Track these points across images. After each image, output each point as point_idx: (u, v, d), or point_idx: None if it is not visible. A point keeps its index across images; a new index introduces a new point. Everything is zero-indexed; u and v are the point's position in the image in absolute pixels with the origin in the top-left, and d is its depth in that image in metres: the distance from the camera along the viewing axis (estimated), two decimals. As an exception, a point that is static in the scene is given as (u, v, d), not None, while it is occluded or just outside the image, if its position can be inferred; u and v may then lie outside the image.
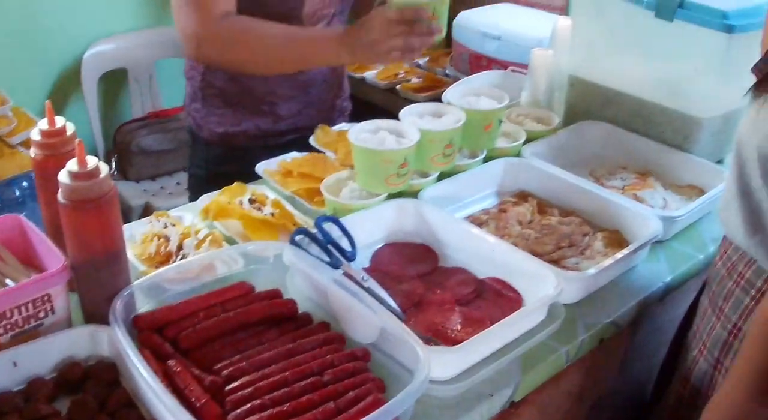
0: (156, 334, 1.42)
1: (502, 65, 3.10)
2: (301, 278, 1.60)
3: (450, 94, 2.12)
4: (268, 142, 2.31)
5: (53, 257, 1.43)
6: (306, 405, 1.29)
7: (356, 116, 2.39)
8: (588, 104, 2.34)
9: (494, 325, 1.47)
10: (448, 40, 3.60)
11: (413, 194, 1.90)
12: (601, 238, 1.86)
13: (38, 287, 1.37)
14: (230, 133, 2.30)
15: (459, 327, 1.54)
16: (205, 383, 1.32)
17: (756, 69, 1.40)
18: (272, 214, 1.83)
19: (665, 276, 1.79)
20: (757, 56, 1.43)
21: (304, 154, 2.11)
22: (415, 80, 3.72)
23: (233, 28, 2.00)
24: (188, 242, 1.70)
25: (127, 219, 1.67)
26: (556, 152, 2.17)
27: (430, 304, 1.61)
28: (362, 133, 1.89)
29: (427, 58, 3.84)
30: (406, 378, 1.34)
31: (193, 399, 1.28)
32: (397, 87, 3.66)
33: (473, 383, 1.43)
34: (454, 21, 3.45)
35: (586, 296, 1.70)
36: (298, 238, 1.63)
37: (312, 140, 2.20)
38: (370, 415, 1.22)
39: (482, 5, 3.59)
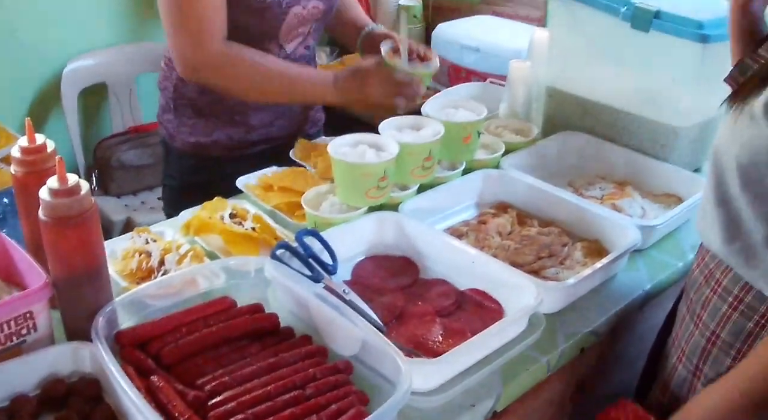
0: (138, 349, 1.42)
1: (482, 77, 3.11)
2: (283, 292, 1.61)
3: (429, 106, 2.13)
4: (240, 152, 2.33)
5: (35, 274, 1.42)
6: (289, 418, 1.29)
7: (334, 127, 2.41)
8: (566, 115, 2.36)
9: (475, 336, 1.48)
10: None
11: (393, 207, 1.91)
12: (581, 248, 1.88)
13: (20, 304, 1.37)
14: (202, 143, 2.31)
15: (440, 338, 1.55)
16: (188, 398, 1.32)
17: (730, 79, 1.42)
18: (253, 229, 1.83)
19: (645, 284, 1.81)
20: (731, 66, 1.45)
21: (284, 168, 2.12)
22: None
23: (233, 56, 2.06)
24: (170, 258, 1.70)
25: (108, 234, 1.67)
26: (535, 163, 2.18)
27: (411, 316, 1.62)
28: (342, 147, 1.89)
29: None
30: (388, 390, 1.35)
31: (176, 414, 1.28)
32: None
33: (455, 394, 1.44)
34: (433, 33, 3.47)
35: (567, 306, 1.71)
36: (279, 252, 1.63)
37: (292, 154, 2.21)
38: (353, 428, 1.23)
39: (461, 17, 3.61)
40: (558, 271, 1.80)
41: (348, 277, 1.77)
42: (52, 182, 1.35)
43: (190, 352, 1.43)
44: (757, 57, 1.38)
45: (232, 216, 1.86)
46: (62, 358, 1.41)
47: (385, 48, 2.14)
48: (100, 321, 1.40)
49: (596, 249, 1.87)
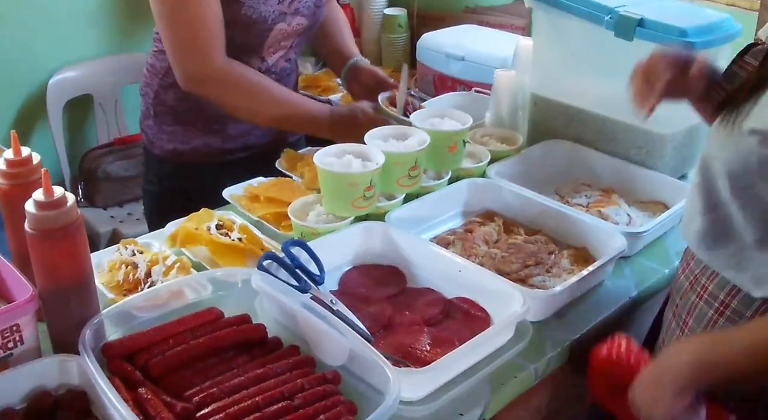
0: (126, 361, 1.42)
1: (467, 86, 3.12)
2: (270, 303, 1.61)
3: (415, 115, 2.14)
4: (218, 159, 2.35)
5: (21, 287, 1.42)
6: (278, 429, 1.29)
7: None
8: (551, 123, 2.36)
9: (463, 344, 1.48)
10: (413, 61, 3.62)
11: (380, 217, 1.91)
12: (567, 256, 1.88)
13: (7, 317, 1.37)
14: (180, 150, 2.33)
15: (428, 348, 1.55)
16: (176, 410, 1.32)
17: (719, 86, 1.42)
18: (240, 240, 1.83)
19: (631, 291, 1.81)
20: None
21: (271, 178, 2.12)
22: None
23: (236, 73, 2.11)
24: (156, 269, 1.70)
25: (94, 246, 1.67)
26: (520, 171, 2.18)
27: (399, 326, 1.62)
28: (328, 157, 1.90)
29: (392, 81, 3.84)
30: (376, 399, 1.35)
31: (164, 426, 1.28)
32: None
33: (443, 403, 1.45)
34: (418, 42, 3.47)
35: (554, 313, 1.71)
36: (266, 262, 1.63)
37: (278, 164, 2.22)
38: (342, 438, 1.23)
39: (446, 27, 3.61)
40: (545, 278, 1.81)
41: (335, 287, 1.77)
42: (38, 195, 1.35)
43: (177, 364, 1.43)
44: (744, 64, 1.39)
45: (218, 227, 1.86)
46: (49, 371, 1.41)
47: (382, 97, 2.24)
48: (87, 333, 1.39)
49: (583, 256, 1.88)
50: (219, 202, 2.04)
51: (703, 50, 1.99)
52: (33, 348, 1.43)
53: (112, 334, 1.49)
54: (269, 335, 1.54)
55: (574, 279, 1.71)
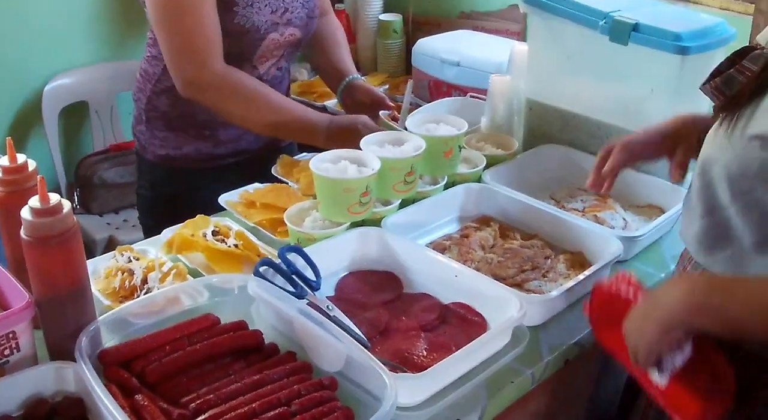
0: (122, 368, 1.42)
1: (462, 91, 3.12)
2: (267, 309, 1.61)
3: (410, 121, 2.14)
4: (209, 164, 2.36)
5: (17, 294, 1.42)
6: (274, 436, 1.29)
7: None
8: (547, 128, 2.37)
9: (459, 350, 1.48)
10: (408, 67, 3.62)
11: (376, 222, 1.91)
12: (564, 260, 1.88)
13: (3, 325, 1.37)
14: (172, 156, 2.34)
15: (425, 353, 1.55)
16: (172, 417, 1.32)
17: (717, 91, 1.41)
18: (236, 246, 1.83)
19: (627, 296, 1.81)
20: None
21: (267, 184, 2.12)
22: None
23: (234, 80, 2.11)
24: (152, 276, 1.70)
25: (90, 253, 1.67)
26: (516, 176, 2.19)
27: (395, 331, 1.62)
28: (323, 163, 1.90)
29: (387, 86, 3.86)
30: (373, 405, 1.35)
31: (161, 433, 1.28)
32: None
33: (440, 408, 1.44)
34: (413, 48, 3.47)
35: (550, 318, 1.71)
36: (262, 269, 1.63)
37: (274, 170, 2.22)
38: (339, 444, 1.23)
39: (441, 32, 3.62)
40: (541, 283, 1.81)
41: (332, 293, 1.77)
42: (34, 202, 1.35)
43: (174, 371, 1.43)
44: (742, 68, 1.39)
45: (214, 233, 1.86)
46: (46, 378, 1.41)
47: (383, 114, 2.26)
48: (84, 340, 1.39)
49: (579, 261, 1.88)
50: (211, 207, 2.03)
51: (697, 55, 2.00)
52: (29, 355, 1.43)
53: (109, 341, 1.49)
54: (266, 341, 1.54)
55: (570, 283, 1.71)
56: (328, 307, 1.60)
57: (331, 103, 3.69)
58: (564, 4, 2.18)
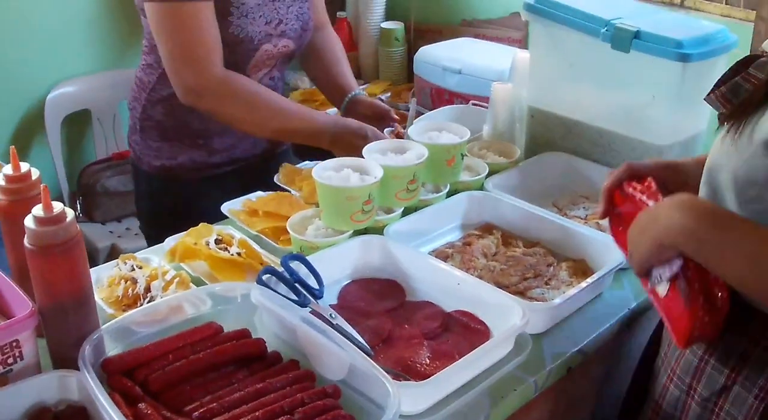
0: (125, 377, 1.42)
1: (464, 99, 3.13)
2: (270, 317, 1.61)
3: (412, 129, 2.14)
4: (204, 173, 2.36)
5: (21, 303, 1.42)
6: (277, 444, 1.29)
7: (302, 147, 2.42)
8: (549, 135, 2.37)
9: (462, 358, 1.48)
10: (410, 74, 3.62)
11: (378, 230, 1.91)
12: (566, 268, 1.88)
13: (6, 333, 1.37)
14: (167, 166, 2.35)
15: (428, 361, 1.55)
16: (176, 425, 1.32)
17: (723, 99, 1.41)
18: (239, 254, 1.83)
19: (630, 302, 1.82)
20: (711, 84, 1.45)
21: (269, 192, 2.12)
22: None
23: (237, 86, 2.12)
24: (156, 284, 1.70)
25: (93, 261, 1.67)
26: (518, 184, 2.19)
27: (398, 339, 1.62)
28: (326, 171, 1.90)
29: (389, 94, 3.86)
30: (376, 413, 1.35)
31: (164, 441, 1.28)
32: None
33: (443, 417, 1.44)
34: (416, 56, 3.48)
35: (553, 326, 1.71)
36: (265, 277, 1.63)
37: (276, 179, 2.22)
38: (342, 452, 1.23)
39: (443, 40, 3.62)
40: (544, 291, 1.81)
41: (334, 301, 1.77)
42: (38, 210, 1.35)
43: (177, 379, 1.43)
44: (748, 76, 1.38)
45: (217, 242, 1.86)
46: (49, 387, 1.41)
47: (387, 131, 2.26)
48: (87, 349, 1.40)
49: (581, 268, 1.88)
50: (210, 216, 2.03)
51: (698, 62, 2.00)
52: (33, 364, 1.43)
53: (112, 350, 1.49)
54: (269, 350, 1.54)
55: (573, 291, 1.71)
56: (331, 315, 1.60)
57: (333, 111, 3.69)
58: (565, 11, 2.19)
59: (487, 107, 2.49)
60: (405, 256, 1.82)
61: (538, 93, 2.38)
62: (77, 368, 1.38)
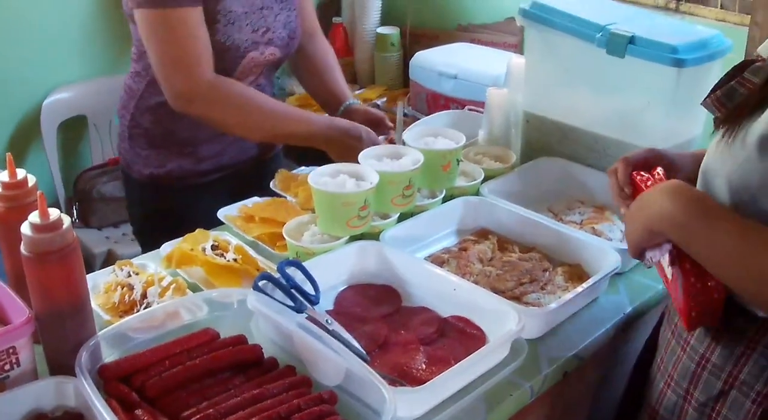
0: (122, 383, 1.42)
1: (460, 104, 3.13)
2: (266, 323, 1.61)
3: (408, 135, 2.14)
4: (192, 181, 2.37)
5: (17, 309, 1.42)
6: (274, 450, 1.30)
7: (305, 153, 2.42)
8: (544, 140, 2.37)
9: (458, 363, 1.48)
10: (406, 79, 3.62)
11: (374, 236, 1.92)
12: (562, 273, 1.89)
13: (3, 340, 1.37)
14: (156, 174, 2.35)
15: (424, 367, 1.55)
16: (172, 431, 1.32)
17: (717, 103, 1.42)
18: (235, 260, 1.83)
19: (626, 307, 1.82)
20: (705, 89, 1.45)
21: (266, 198, 2.12)
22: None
23: (228, 90, 2.12)
24: (152, 290, 1.70)
25: (89, 267, 1.67)
26: (514, 189, 2.19)
27: (394, 345, 1.63)
28: (322, 177, 1.90)
29: (385, 99, 3.86)
30: (373, 419, 1.35)
31: (161, 448, 1.28)
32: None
33: (440, 422, 1.45)
34: (411, 61, 3.48)
35: (549, 330, 1.71)
36: (261, 283, 1.63)
37: (272, 185, 2.23)
38: (338, 458, 1.23)
39: (438, 45, 3.63)
40: (539, 296, 1.81)
41: (330, 307, 1.77)
42: (34, 217, 1.36)
43: (173, 385, 1.43)
44: (743, 80, 1.39)
45: (213, 248, 1.86)
46: (46, 393, 1.41)
47: (381, 139, 2.24)
48: (84, 355, 1.40)
49: (577, 273, 1.89)
50: (201, 223, 2.03)
51: (693, 67, 2.01)
52: (29, 370, 1.43)
53: (109, 356, 1.50)
54: (265, 356, 1.55)
55: (568, 296, 1.72)
56: (327, 321, 1.61)
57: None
58: (561, 17, 2.19)
59: (482, 112, 2.49)
60: (401, 262, 1.83)
61: (534, 98, 2.38)
62: (74, 375, 1.38)
